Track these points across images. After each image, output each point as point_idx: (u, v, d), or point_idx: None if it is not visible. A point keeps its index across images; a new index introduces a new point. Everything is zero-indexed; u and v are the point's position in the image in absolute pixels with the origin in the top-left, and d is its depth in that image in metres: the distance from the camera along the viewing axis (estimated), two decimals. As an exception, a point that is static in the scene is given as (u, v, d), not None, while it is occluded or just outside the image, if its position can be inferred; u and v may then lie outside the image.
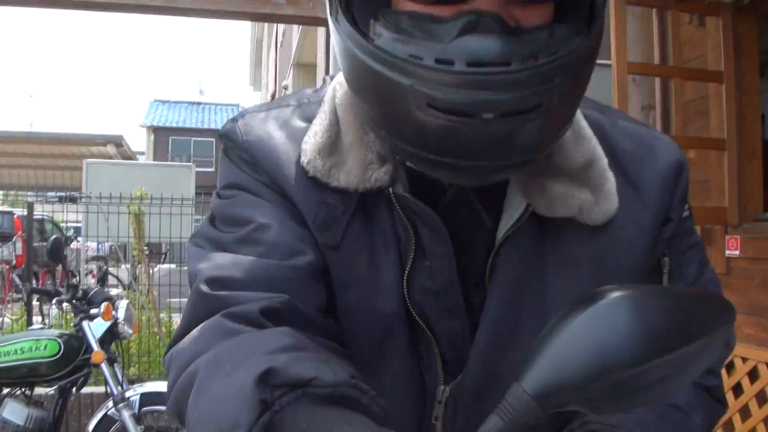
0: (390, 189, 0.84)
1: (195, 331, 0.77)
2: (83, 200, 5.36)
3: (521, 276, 0.85)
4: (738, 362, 3.26)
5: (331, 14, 0.78)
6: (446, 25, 0.69)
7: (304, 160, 0.86)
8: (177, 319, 6.39)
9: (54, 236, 4.00)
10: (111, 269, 7.98)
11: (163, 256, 9.17)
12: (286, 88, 12.19)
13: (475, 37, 0.67)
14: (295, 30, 10.82)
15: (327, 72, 6.73)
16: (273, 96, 17.88)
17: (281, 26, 14.09)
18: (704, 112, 3.88)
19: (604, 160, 0.88)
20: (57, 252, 3.74)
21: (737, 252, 3.63)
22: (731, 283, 3.58)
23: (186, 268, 0.86)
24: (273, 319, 0.75)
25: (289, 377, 0.62)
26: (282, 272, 0.80)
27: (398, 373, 0.86)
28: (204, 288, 0.80)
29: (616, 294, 0.62)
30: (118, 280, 8.94)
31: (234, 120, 0.94)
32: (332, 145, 0.86)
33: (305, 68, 11.10)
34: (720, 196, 3.71)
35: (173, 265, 7.66)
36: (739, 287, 3.55)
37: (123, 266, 7.65)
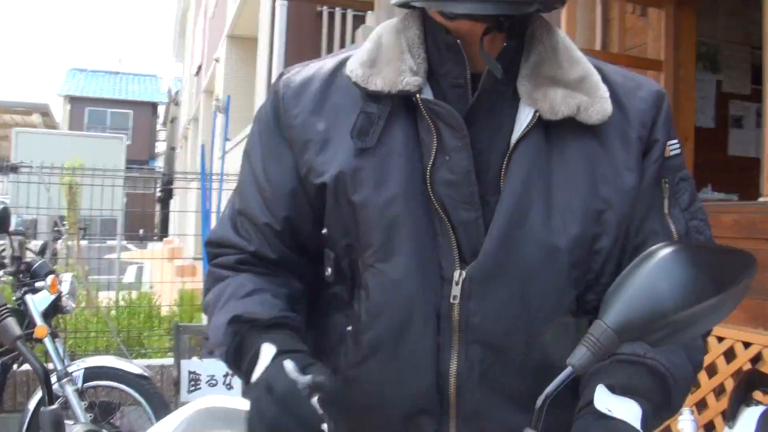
0: (417, 96, 1.01)
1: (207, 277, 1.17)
2: (23, 170, 5.19)
3: (530, 174, 1.02)
4: (713, 341, 3.33)
5: None
6: None
7: (346, 70, 1.06)
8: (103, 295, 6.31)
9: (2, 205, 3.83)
10: (36, 243, 7.72)
11: (83, 232, 8.95)
12: (217, 60, 11.98)
13: None
14: (231, 1, 10.65)
15: (271, 47, 6.66)
16: (199, 68, 17.52)
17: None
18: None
19: (598, 76, 1.06)
20: (3, 222, 3.58)
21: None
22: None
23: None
24: (245, 265, 1.11)
25: (246, 318, 1.03)
26: (258, 227, 1.12)
27: (415, 256, 1.02)
28: (207, 245, 1.19)
29: (670, 250, 0.81)
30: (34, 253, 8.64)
31: (279, 76, 1.17)
32: (373, 60, 1.06)
33: (242, 41, 10.94)
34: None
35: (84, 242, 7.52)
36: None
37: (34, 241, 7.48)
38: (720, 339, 3.17)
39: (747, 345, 3.09)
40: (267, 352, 0.99)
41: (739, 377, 2.24)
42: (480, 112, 1.03)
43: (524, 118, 1.03)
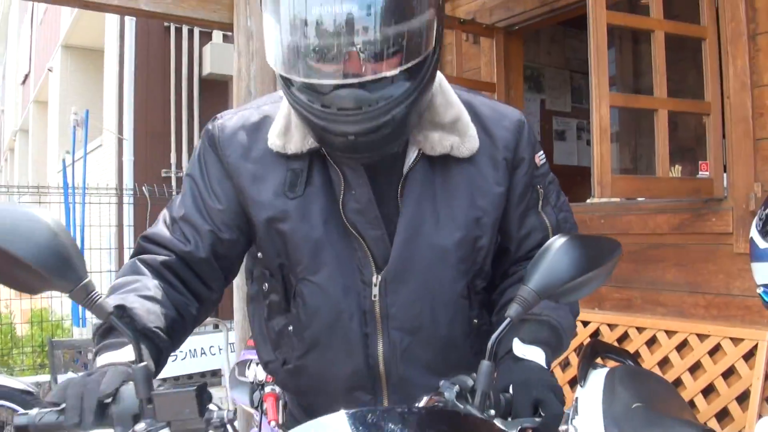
0: (322, 150, 1.34)
1: (126, 263, 1.40)
2: None
3: (420, 196, 1.36)
4: (605, 329, 3.87)
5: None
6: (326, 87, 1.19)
7: (269, 141, 1.37)
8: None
9: None
10: None
11: None
12: (51, 70, 11.65)
13: (341, 92, 1.16)
14: (65, 9, 10.42)
15: (121, 60, 6.72)
16: (26, 77, 16.70)
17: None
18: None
19: (467, 117, 1.38)
20: None
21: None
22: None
23: None
24: (167, 270, 1.35)
25: (129, 312, 1.20)
26: (199, 232, 1.39)
27: (339, 268, 1.36)
28: (140, 239, 1.41)
29: (566, 238, 1.17)
30: None
31: (213, 120, 1.47)
32: (285, 129, 1.37)
33: (79, 51, 10.72)
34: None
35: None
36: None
37: None
38: (611, 326, 3.71)
39: (586, 323, 3.72)
40: (122, 354, 1.16)
41: (585, 348, 2.66)
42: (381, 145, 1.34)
43: (411, 154, 1.36)
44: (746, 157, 3.20)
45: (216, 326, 5.23)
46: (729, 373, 3.07)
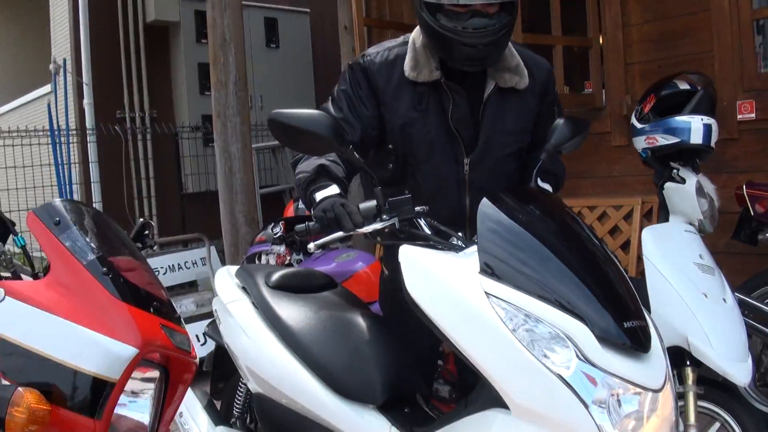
0: (442, 80, 2.18)
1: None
2: None
3: (493, 114, 2.23)
4: None
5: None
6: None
7: (405, 72, 2.21)
8: None
9: None
10: None
11: None
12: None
13: (475, 19, 2.03)
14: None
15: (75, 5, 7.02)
16: None
17: None
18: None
19: (522, 63, 2.25)
20: None
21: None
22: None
23: None
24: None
25: (327, 168, 2.10)
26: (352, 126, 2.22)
27: (445, 155, 2.23)
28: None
29: (565, 119, 2.14)
30: None
31: (363, 56, 2.30)
32: (416, 66, 2.20)
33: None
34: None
35: None
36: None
37: None
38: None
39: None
40: (333, 188, 2.02)
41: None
42: (468, 82, 2.23)
43: (489, 87, 2.24)
44: (618, 77, 4.44)
45: (186, 244, 6.07)
46: (614, 231, 4.35)
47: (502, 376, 1.64)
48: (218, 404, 2.83)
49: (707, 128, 2.94)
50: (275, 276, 2.53)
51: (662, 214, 3.06)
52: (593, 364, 1.61)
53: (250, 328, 2.43)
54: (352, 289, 3.54)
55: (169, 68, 7.00)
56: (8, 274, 1.35)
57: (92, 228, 1.43)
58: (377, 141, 2.29)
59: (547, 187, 2.29)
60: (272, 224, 4.19)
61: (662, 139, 3.00)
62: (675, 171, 2.98)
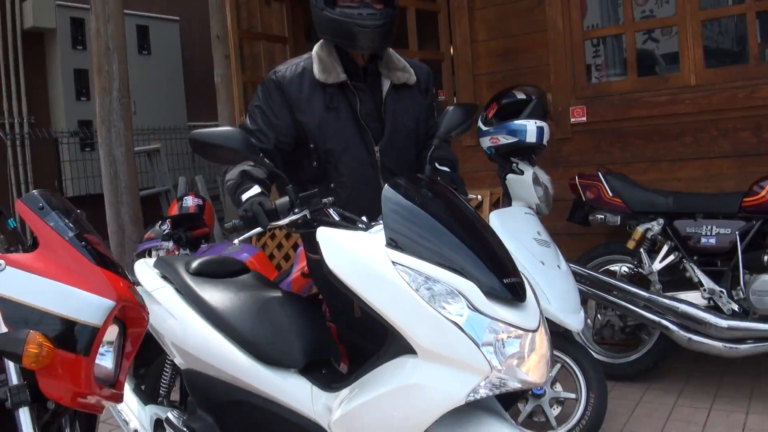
0: (348, 82, 2.55)
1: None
2: None
3: (394, 105, 2.63)
4: None
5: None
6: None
7: (315, 75, 2.54)
8: None
9: None
10: None
11: None
12: None
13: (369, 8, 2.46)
14: None
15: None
16: None
17: None
18: (270, 61, 6.12)
19: (408, 65, 2.67)
20: None
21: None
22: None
23: None
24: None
25: (248, 173, 2.44)
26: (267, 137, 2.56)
27: (359, 146, 2.58)
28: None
29: (453, 106, 2.51)
30: None
31: (274, 73, 2.62)
32: (324, 70, 2.54)
33: None
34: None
35: None
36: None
37: None
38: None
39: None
40: (255, 189, 2.34)
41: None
42: (368, 81, 2.62)
43: (386, 85, 2.63)
44: (468, 86, 5.07)
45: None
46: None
47: (410, 327, 1.94)
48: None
49: (540, 130, 3.60)
50: (194, 264, 2.80)
51: (506, 200, 3.69)
52: (481, 313, 1.92)
53: (176, 310, 2.68)
54: (239, 277, 3.96)
55: (45, 74, 7.01)
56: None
57: (65, 212, 1.77)
58: (294, 145, 2.63)
59: (446, 169, 2.71)
60: (160, 222, 4.50)
61: (504, 139, 3.63)
62: (515, 165, 3.62)
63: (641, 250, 3.98)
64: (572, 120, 4.78)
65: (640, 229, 3.98)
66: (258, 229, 2.24)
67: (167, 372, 2.94)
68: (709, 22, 5.09)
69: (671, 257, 3.89)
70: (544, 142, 3.66)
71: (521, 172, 3.61)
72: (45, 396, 1.63)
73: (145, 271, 2.91)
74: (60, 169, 6.63)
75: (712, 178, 4.38)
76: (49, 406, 1.70)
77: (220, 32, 5.90)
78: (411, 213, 2.09)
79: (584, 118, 4.77)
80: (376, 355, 2.13)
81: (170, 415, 2.80)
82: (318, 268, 2.60)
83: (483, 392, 1.91)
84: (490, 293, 1.96)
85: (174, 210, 4.82)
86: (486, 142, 3.71)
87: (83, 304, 1.62)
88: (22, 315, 1.59)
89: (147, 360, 3.03)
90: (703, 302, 3.73)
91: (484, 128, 3.74)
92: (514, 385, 1.93)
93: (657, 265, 3.91)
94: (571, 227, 4.42)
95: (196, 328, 2.58)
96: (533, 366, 1.97)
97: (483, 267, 2.02)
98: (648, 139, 4.63)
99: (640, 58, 5.17)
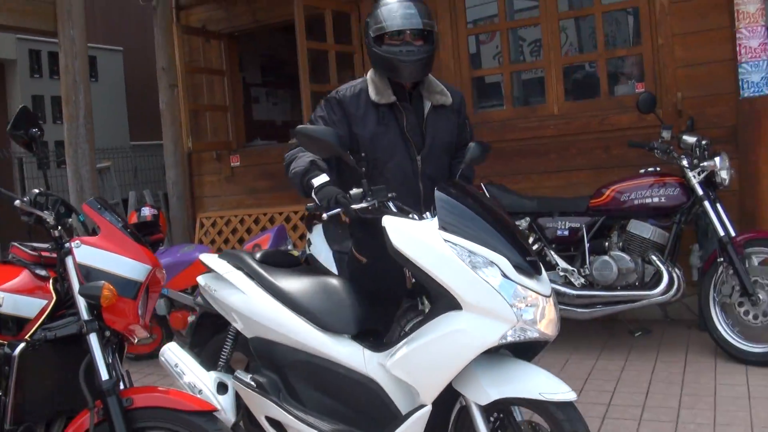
0: (397, 103, 3.05)
1: (293, 151, 3.08)
2: None
3: (434, 122, 3.13)
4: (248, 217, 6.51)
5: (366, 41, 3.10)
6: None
7: (370, 96, 3.05)
8: None
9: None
10: None
11: None
12: None
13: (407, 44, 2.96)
14: None
15: None
16: None
17: None
18: (210, 89, 7.06)
19: (445, 89, 3.16)
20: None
21: (238, 163, 6.95)
22: (235, 180, 6.90)
23: None
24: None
25: (316, 163, 2.89)
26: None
27: (404, 155, 3.07)
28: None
29: (475, 143, 3.08)
30: None
31: (336, 92, 3.13)
32: (377, 93, 3.04)
33: None
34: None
35: None
36: (241, 181, 6.90)
37: None
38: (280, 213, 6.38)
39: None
40: (324, 177, 2.77)
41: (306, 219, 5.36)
42: (414, 102, 3.09)
43: (427, 106, 3.10)
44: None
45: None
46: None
47: (458, 286, 2.46)
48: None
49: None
50: (259, 255, 3.29)
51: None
52: (511, 279, 2.46)
53: (248, 289, 3.13)
54: (193, 273, 4.86)
55: (6, 100, 7.67)
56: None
57: (111, 210, 2.71)
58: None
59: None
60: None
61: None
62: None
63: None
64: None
65: (513, 225, 5.11)
66: (338, 210, 2.71)
67: (228, 344, 3.35)
68: (569, 66, 6.32)
69: (536, 246, 4.98)
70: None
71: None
72: (106, 327, 2.56)
73: (214, 260, 3.40)
74: (24, 187, 7.31)
75: (572, 186, 5.55)
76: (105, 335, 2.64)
77: (165, 65, 6.77)
78: (456, 207, 2.61)
79: (472, 141, 5.93)
80: (424, 316, 2.65)
81: (238, 373, 3.20)
82: (352, 263, 3.31)
83: (510, 338, 2.44)
84: (516, 266, 2.50)
85: (133, 219, 5.66)
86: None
87: (131, 267, 2.58)
88: (94, 275, 2.53)
89: (201, 342, 3.56)
90: (560, 279, 4.86)
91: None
92: (533, 335, 2.47)
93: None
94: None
95: (265, 303, 3.05)
96: (546, 323, 2.51)
97: (511, 247, 2.54)
98: (522, 156, 5.81)
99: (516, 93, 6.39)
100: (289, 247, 5.13)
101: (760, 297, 4.34)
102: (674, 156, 4.69)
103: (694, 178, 4.58)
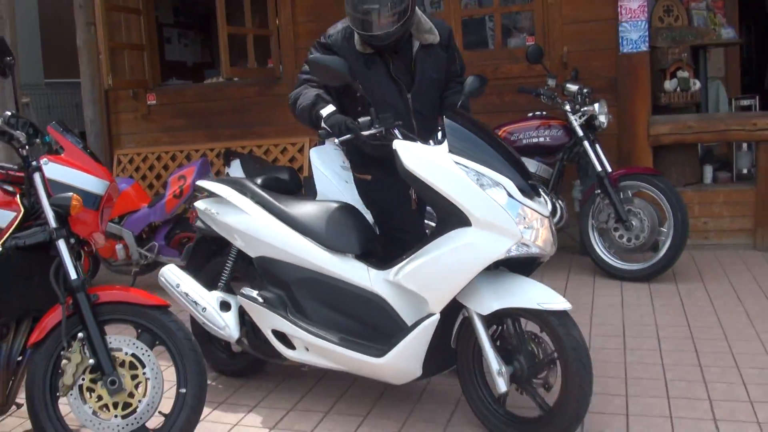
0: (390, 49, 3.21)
1: (297, 90, 3.32)
2: None
3: (422, 62, 3.29)
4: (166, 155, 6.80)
5: None
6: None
7: (357, 49, 3.23)
8: None
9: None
10: None
11: None
12: None
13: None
14: None
15: None
16: None
17: None
18: (127, 27, 7.21)
19: (433, 27, 3.30)
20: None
21: (154, 101, 7.19)
22: (152, 119, 7.15)
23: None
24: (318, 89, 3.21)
25: (321, 96, 3.17)
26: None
27: (394, 94, 3.25)
28: (301, 76, 3.36)
29: (473, 76, 3.26)
30: None
31: (326, 35, 3.34)
32: (360, 42, 3.22)
33: None
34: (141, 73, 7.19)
35: None
36: (157, 119, 7.15)
37: None
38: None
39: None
40: (331, 107, 3.04)
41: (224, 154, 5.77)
42: (401, 45, 3.22)
43: (415, 45, 3.26)
44: (291, 57, 6.59)
45: None
46: (292, 160, 6.44)
47: (468, 203, 2.62)
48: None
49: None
50: (260, 180, 3.47)
51: (320, 142, 5.20)
52: (515, 199, 2.62)
53: (253, 212, 3.27)
54: (123, 203, 5.23)
55: None
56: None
57: (71, 132, 3.08)
58: (339, 91, 3.28)
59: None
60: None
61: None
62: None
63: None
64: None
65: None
66: (350, 135, 2.92)
67: (229, 265, 3.51)
68: (468, 18, 6.86)
69: None
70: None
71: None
72: (71, 234, 2.92)
73: (215, 185, 3.51)
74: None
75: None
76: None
77: (82, 2, 6.86)
78: (464, 134, 2.80)
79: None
80: (430, 234, 2.86)
81: (245, 289, 3.34)
82: (361, 184, 3.48)
83: (514, 252, 2.62)
84: (519, 188, 2.68)
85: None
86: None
87: (93, 182, 2.97)
88: (61, 188, 2.89)
89: (197, 266, 3.75)
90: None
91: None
92: (534, 251, 2.66)
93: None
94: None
95: (270, 224, 3.21)
96: (545, 241, 2.71)
97: (514, 171, 2.73)
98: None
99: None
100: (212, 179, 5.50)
101: (633, 223, 5.10)
102: (558, 101, 5.34)
103: (576, 121, 5.24)
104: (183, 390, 2.83)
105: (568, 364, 2.65)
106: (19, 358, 2.95)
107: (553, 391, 2.83)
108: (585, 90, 5.32)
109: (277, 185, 3.54)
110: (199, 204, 3.53)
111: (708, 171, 6.25)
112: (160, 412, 2.86)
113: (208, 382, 3.23)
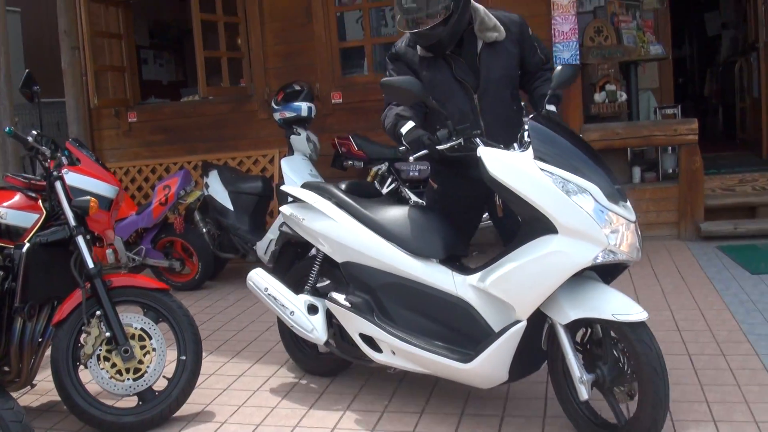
0: (447, 53, 3.22)
1: (384, 111, 3.34)
2: None
3: (487, 60, 3.24)
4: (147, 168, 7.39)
5: None
6: None
7: (420, 53, 3.31)
8: None
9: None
10: None
11: None
12: None
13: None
14: None
15: None
16: None
17: None
18: (110, 51, 7.77)
19: (497, 22, 3.23)
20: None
21: (135, 119, 7.76)
22: (133, 135, 7.71)
23: None
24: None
25: (402, 114, 3.21)
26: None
27: (460, 96, 3.24)
28: (387, 97, 3.33)
29: (563, 65, 3.16)
30: None
31: (395, 46, 3.43)
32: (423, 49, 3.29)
33: None
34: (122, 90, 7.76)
35: None
36: (138, 135, 7.73)
37: None
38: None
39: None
40: (410, 123, 3.06)
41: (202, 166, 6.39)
42: (465, 45, 3.21)
43: (479, 45, 3.21)
44: (261, 77, 7.23)
45: None
46: (263, 170, 7.05)
47: (555, 211, 2.54)
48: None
49: (310, 108, 5.91)
50: (344, 185, 3.46)
51: (290, 152, 5.90)
52: (602, 205, 2.54)
53: (339, 217, 3.28)
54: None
55: None
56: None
57: (86, 147, 3.69)
58: None
59: (553, 108, 3.14)
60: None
61: (288, 114, 5.91)
62: (295, 129, 5.87)
63: (375, 182, 5.99)
64: (333, 101, 7.10)
65: (374, 169, 6.06)
66: (424, 151, 2.96)
67: (315, 269, 3.53)
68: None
69: (393, 185, 6.00)
70: (313, 115, 5.99)
71: (299, 134, 5.89)
72: (88, 231, 3.48)
73: (300, 191, 3.57)
74: None
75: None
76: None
77: (67, 28, 7.36)
78: (549, 137, 2.73)
79: (341, 100, 7.10)
80: (515, 241, 2.77)
81: (333, 294, 3.35)
82: (428, 191, 3.56)
83: (600, 259, 2.54)
84: (607, 194, 2.60)
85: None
86: (277, 116, 5.97)
87: (105, 188, 3.57)
88: (80, 193, 3.45)
89: (283, 269, 3.85)
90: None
91: (275, 107, 5.97)
92: (620, 257, 2.57)
93: (385, 190, 5.95)
94: (334, 171, 6.46)
95: (355, 230, 3.23)
96: (631, 246, 2.63)
97: (602, 175, 2.65)
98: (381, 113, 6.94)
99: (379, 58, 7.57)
100: (193, 188, 6.13)
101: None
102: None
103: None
104: (183, 357, 3.45)
105: (642, 374, 2.61)
106: (39, 340, 3.44)
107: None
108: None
109: (360, 190, 3.55)
110: (285, 209, 3.62)
111: (636, 172, 6.98)
112: (164, 377, 3.46)
113: (298, 381, 3.71)
